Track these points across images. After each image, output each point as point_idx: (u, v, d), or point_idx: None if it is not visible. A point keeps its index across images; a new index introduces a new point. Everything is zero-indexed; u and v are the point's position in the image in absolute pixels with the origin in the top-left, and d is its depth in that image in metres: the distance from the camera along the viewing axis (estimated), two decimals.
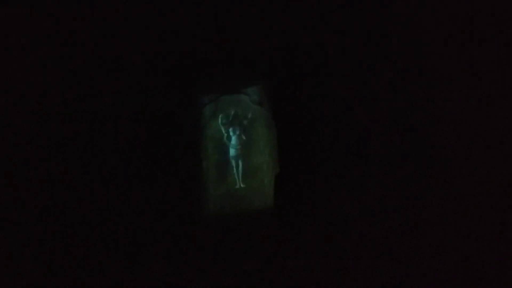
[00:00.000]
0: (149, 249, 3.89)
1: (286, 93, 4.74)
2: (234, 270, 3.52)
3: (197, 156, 6.98)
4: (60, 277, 3.06)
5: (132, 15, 3.53)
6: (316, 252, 3.59)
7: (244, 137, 8.33)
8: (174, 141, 5.23)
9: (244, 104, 8.50)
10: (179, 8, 3.67)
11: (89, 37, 3.43)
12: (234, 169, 8.50)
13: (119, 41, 3.73)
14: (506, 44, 2.66)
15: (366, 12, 3.52)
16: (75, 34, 3.30)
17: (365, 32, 3.60)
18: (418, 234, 3.22)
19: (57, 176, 3.27)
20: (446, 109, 3.07)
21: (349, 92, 3.88)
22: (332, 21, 3.75)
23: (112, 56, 3.82)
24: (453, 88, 3.00)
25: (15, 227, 2.90)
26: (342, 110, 3.98)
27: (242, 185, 8.43)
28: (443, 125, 3.11)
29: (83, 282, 3.13)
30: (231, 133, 8.31)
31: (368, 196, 3.72)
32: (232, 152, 8.35)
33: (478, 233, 2.80)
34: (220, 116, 8.46)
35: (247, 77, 6.40)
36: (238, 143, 8.31)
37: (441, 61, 3.06)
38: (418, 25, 3.18)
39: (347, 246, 3.51)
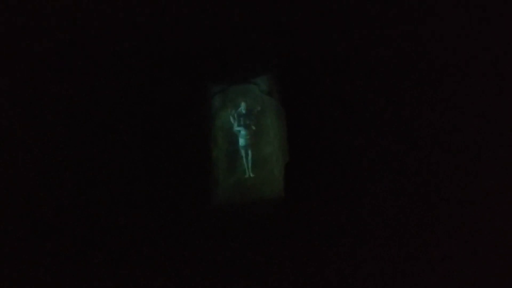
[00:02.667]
0: (159, 237, 3.94)
1: (296, 83, 4.72)
2: (244, 259, 3.55)
3: (207, 145, 7.00)
4: (72, 266, 3.13)
5: (144, 5, 3.53)
6: (326, 241, 3.61)
7: (253, 127, 8.32)
8: (184, 130, 5.26)
9: (253, 94, 8.50)
10: None
11: (101, 28, 3.45)
12: (244, 158, 8.53)
13: (131, 32, 3.74)
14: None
15: (376, 6, 3.48)
16: (87, 25, 3.32)
17: (374, 24, 3.57)
18: (428, 222, 3.22)
19: (70, 163, 3.32)
20: (457, 109, 3.04)
21: (359, 82, 3.85)
22: (340, 11, 3.71)
23: (124, 47, 3.83)
24: (463, 89, 2.97)
25: (29, 221, 2.96)
26: (351, 100, 3.96)
27: (251, 175, 8.46)
28: (454, 123, 3.09)
29: (93, 269, 3.19)
30: (241, 123, 8.34)
31: (378, 185, 3.71)
32: (241, 142, 8.36)
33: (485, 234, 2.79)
34: (229, 108, 8.50)
35: (256, 67, 6.37)
36: (248, 133, 8.30)
37: (450, 63, 3.03)
38: (427, 26, 3.14)
39: (357, 235, 3.52)
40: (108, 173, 3.76)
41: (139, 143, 4.22)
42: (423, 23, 3.18)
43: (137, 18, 3.63)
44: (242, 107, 8.35)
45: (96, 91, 3.66)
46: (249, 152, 8.50)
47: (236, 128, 8.42)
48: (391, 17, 3.42)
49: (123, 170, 3.95)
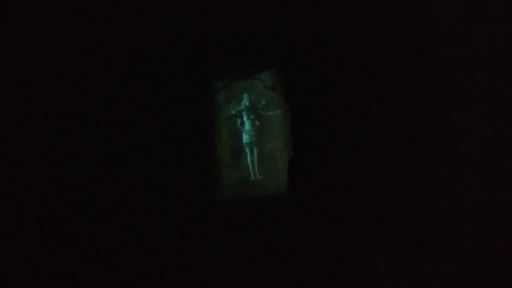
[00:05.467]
0: (163, 233, 3.93)
1: (300, 78, 4.69)
2: (248, 256, 3.55)
3: (211, 142, 6.98)
4: (79, 257, 3.14)
5: (148, 1, 3.51)
6: (331, 237, 3.59)
7: (257, 123, 8.20)
8: (188, 127, 5.25)
9: (257, 89, 8.43)
10: None
11: (105, 25, 3.44)
12: (249, 157, 8.30)
13: (135, 29, 3.73)
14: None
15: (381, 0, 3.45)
16: (91, 22, 3.31)
17: (379, 18, 3.53)
18: (430, 223, 3.20)
19: (73, 160, 3.32)
20: (462, 109, 3.02)
21: (364, 78, 3.82)
22: (345, 6, 3.68)
23: (129, 44, 3.82)
24: (468, 90, 2.94)
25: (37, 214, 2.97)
26: (356, 95, 3.94)
27: (258, 177, 8.18)
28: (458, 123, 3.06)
29: (96, 266, 3.19)
30: (244, 119, 8.18)
31: (383, 182, 3.69)
32: (245, 138, 8.17)
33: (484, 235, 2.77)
34: (233, 102, 8.38)
35: (260, 63, 6.34)
36: (252, 129, 8.17)
37: (462, 59, 2.99)
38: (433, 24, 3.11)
39: (362, 232, 3.50)
40: (112, 169, 3.76)
41: (143, 140, 4.22)
42: (432, 18, 3.14)
43: (141, 14, 3.62)
44: (246, 99, 8.17)
45: (101, 88, 3.66)
46: (255, 150, 8.24)
47: (239, 124, 8.25)
48: (397, 12, 3.38)
49: (127, 167, 3.95)
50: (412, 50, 3.36)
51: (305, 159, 4.65)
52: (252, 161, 8.25)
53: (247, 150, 8.30)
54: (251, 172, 8.28)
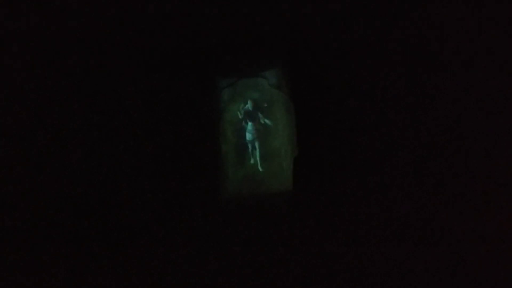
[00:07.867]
0: (168, 231, 3.97)
1: (304, 76, 4.70)
2: (252, 253, 3.57)
3: (216, 139, 7.02)
4: (84, 252, 3.18)
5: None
6: (335, 236, 3.61)
7: (261, 121, 8.29)
8: (193, 125, 5.27)
9: (262, 87, 8.46)
10: None
11: (111, 23, 3.46)
12: (251, 154, 8.51)
13: (141, 27, 3.75)
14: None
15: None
16: (97, 19, 3.34)
17: (384, 16, 3.53)
18: (435, 221, 3.20)
19: (79, 157, 3.36)
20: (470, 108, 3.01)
21: (368, 75, 3.83)
22: (350, 4, 3.68)
23: (134, 42, 3.84)
24: (473, 89, 2.94)
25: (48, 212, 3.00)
26: (361, 93, 3.94)
27: (260, 169, 8.40)
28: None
29: (102, 263, 3.23)
30: (248, 118, 8.26)
31: (388, 180, 3.70)
32: (248, 136, 8.38)
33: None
34: (238, 101, 8.45)
35: (265, 61, 6.35)
36: (254, 128, 8.30)
37: (467, 53, 2.99)
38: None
39: (366, 229, 3.51)
40: (118, 168, 3.79)
41: (149, 138, 4.24)
42: (434, 17, 3.14)
43: (147, 12, 3.64)
44: (249, 105, 8.31)
45: (105, 87, 3.69)
46: (256, 146, 8.47)
47: (244, 122, 8.42)
48: (401, 10, 3.38)
49: (133, 165, 3.98)
50: (417, 48, 3.36)
51: (309, 157, 4.67)
52: (254, 156, 8.47)
53: (250, 147, 8.47)
54: (259, 166, 8.45)
